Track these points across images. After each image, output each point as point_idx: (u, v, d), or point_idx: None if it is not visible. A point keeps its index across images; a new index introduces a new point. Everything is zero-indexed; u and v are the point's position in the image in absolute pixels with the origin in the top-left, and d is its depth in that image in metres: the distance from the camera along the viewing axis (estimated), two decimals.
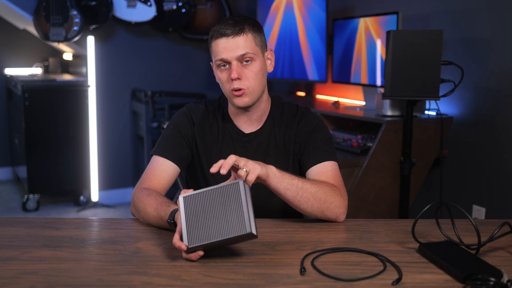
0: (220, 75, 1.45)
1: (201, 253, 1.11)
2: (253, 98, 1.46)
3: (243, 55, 1.42)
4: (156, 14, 3.85)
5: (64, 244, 1.23)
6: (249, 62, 1.43)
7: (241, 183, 1.12)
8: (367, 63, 3.10)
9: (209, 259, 1.12)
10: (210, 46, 1.46)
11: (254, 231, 1.08)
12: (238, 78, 1.42)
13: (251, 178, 1.18)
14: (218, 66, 1.45)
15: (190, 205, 1.13)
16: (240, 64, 1.43)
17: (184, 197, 1.14)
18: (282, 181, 1.30)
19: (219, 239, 1.09)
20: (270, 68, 1.52)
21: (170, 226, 1.24)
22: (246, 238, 1.11)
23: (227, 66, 1.44)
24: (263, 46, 1.48)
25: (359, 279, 1.03)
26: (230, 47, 1.41)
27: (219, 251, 1.15)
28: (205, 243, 1.09)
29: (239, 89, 1.43)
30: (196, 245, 1.09)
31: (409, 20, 3.03)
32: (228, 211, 1.10)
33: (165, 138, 1.54)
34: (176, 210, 1.23)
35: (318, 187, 1.34)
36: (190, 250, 1.10)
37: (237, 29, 1.41)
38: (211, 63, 1.52)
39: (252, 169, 1.20)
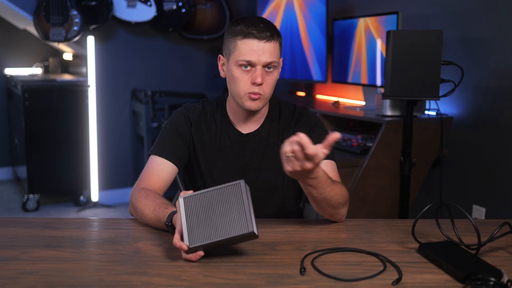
0: (240, 75, 1.43)
1: (201, 253, 1.10)
2: (264, 104, 1.47)
3: (270, 62, 1.42)
4: (156, 14, 3.85)
5: (64, 244, 1.23)
6: (271, 70, 1.43)
7: (242, 183, 1.12)
8: (367, 63, 3.10)
9: (209, 259, 1.12)
10: (234, 42, 1.43)
11: (255, 231, 1.09)
12: (261, 84, 1.42)
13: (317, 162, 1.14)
14: (240, 65, 1.43)
15: (191, 206, 1.12)
16: (264, 70, 1.43)
17: (184, 198, 1.14)
18: (316, 191, 1.26)
19: (220, 239, 1.09)
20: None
21: (168, 228, 1.23)
22: (248, 238, 1.11)
23: (249, 67, 1.42)
24: (280, 55, 1.49)
25: (359, 279, 1.03)
26: (260, 51, 1.40)
27: (219, 251, 1.15)
28: (206, 242, 1.09)
29: (257, 93, 1.43)
30: (197, 245, 1.09)
31: (409, 20, 3.03)
32: (229, 211, 1.10)
33: (162, 138, 1.54)
34: (174, 213, 1.23)
35: (339, 196, 1.32)
36: (191, 250, 1.10)
37: (269, 35, 1.41)
38: (220, 56, 1.50)
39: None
